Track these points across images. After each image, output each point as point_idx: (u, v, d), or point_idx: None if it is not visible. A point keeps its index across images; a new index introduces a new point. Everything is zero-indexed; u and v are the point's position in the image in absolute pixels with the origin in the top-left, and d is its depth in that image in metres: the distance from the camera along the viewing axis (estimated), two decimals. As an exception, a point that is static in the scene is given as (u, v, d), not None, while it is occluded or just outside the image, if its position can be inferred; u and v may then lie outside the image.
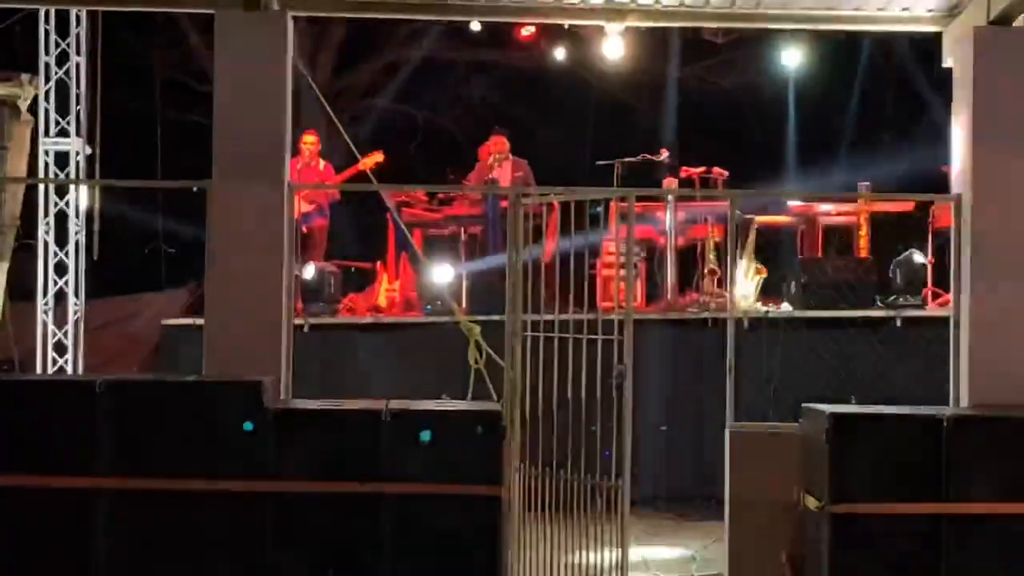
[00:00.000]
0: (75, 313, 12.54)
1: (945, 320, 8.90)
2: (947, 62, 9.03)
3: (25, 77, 11.81)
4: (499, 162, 13.87)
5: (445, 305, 11.59)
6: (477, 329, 8.79)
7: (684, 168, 13.70)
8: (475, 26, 14.97)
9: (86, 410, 7.35)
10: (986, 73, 8.47)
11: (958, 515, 7.44)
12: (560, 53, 17.74)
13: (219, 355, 8.08)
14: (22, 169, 11.73)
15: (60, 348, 12.47)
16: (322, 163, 13.86)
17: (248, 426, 7.31)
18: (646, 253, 13.27)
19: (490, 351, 8.59)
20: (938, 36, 9.17)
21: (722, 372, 8.45)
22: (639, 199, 9.08)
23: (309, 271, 12.71)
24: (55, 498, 7.28)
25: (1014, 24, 8.49)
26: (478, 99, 21.66)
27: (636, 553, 8.95)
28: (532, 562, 8.24)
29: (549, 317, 8.33)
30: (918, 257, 12.57)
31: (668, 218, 13.09)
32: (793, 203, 13.57)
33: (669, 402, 11.29)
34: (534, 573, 8.27)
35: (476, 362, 8.64)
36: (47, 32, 12.63)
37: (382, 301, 13.51)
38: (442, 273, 12.60)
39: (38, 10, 12.36)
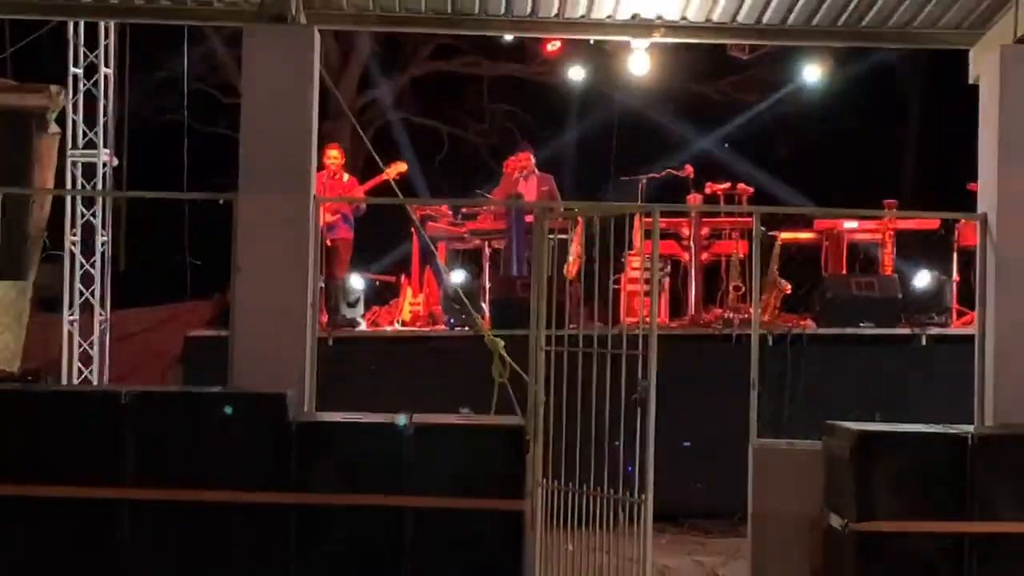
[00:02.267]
0: (101, 324, 12.59)
1: (970, 338, 8.87)
2: (974, 79, 9.01)
3: (53, 89, 11.88)
4: (525, 177, 13.89)
5: (469, 318, 11.59)
6: (501, 343, 8.79)
7: (709, 184, 13.69)
8: (508, 38, 14.98)
9: (111, 421, 7.38)
10: (1013, 91, 8.46)
11: (983, 534, 7.42)
12: (585, 68, 17.75)
13: (244, 367, 8.11)
14: (49, 180, 11.79)
15: (86, 359, 12.52)
16: (346, 176, 13.90)
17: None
18: (670, 268, 13.26)
19: (514, 365, 8.59)
20: (965, 53, 9.15)
21: (746, 388, 8.44)
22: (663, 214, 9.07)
23: (358, 281, 12.74)
24: (80, 509, 7.32)
25: (1042, 42, 8.48)
26: (503, 113, 21.72)
27: (658, 568, 8.92)
28: (554, 577, 8.23)
29: (573, 332, 8.33)
30: (920, 280, 12.52)
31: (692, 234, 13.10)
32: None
33: (693, 418, 11.25)
34: (556, 588, 8.25)
35: (500, 376, 8.64)
36: (75, 44, 12.70)
37: (406, 314, 13.52)
38: (457, 277, 12.62)
39: (67, 22, 12.43)
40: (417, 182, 13.99)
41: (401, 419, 7.38)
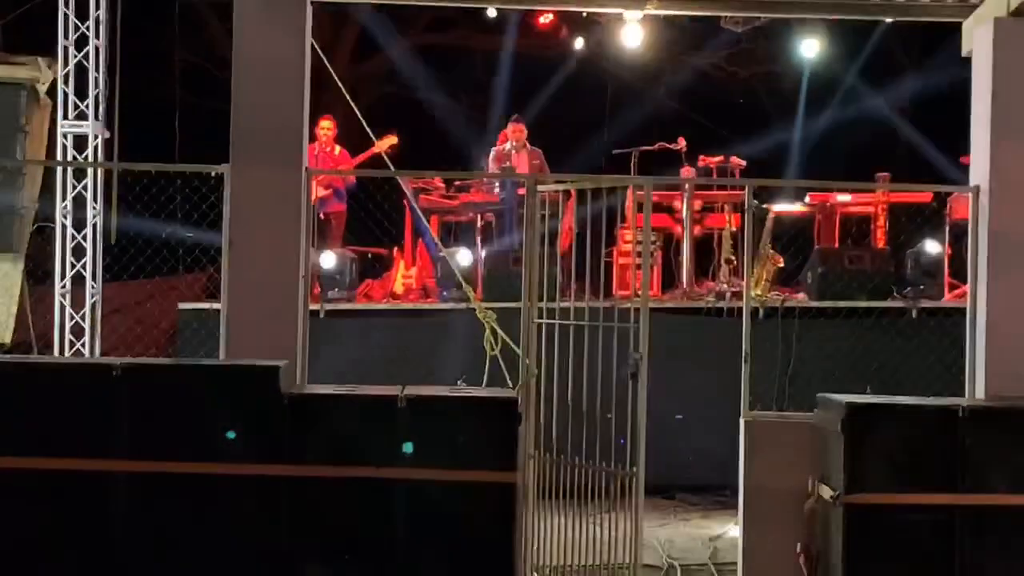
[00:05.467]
0: (92, 297, 12.56)
1: (961, 311, 8.89)
2: (967, 52, 9.00)
3: (44, 61, 11.83)
4: (516, 150, 13.88)
5: (462, 292, 11.60)
6: (493, 316, 8.80)
7: (702, 157, 13.69)
8: (491, 12, 14.95)
9: (103, 394, 7.38)
10: (1005, 64, 8.45)
11: (973, 506, 7.44)
12: (578, 40, 17.70)
13: (236, 340, 8.11)
14: (40, 152, 11.75)
15: (77, 331, 12.50)
16: (337, 148, 13.88)
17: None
18: (662, 242, 13.27)
19: (506, 338, 8.59)
20: (959, 25, 9.14)
21: (738, 361, 8.45)
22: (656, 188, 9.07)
23: (328, 259, 12.71)
24: (72, 481, 7.32)
25: (1035, 15, 8.46)
26: (497, 86, 21.64)
27: (649, 541, 8.95)
28: (546, 549, 8.26)
29: (565, 305, 8.33)
30: (931, 247, 12.54)
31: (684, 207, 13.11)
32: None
33: (684, 391, 11.28)
34: (548, 560, 8.28)
35: (492, 349, 8.65)
36: (66, 15, 12.62)
37: (398, 287, 13.53)
38: (464, 256, 12.61)
39: (57, -7, 12.38)
40: (409, 155, 13.95)
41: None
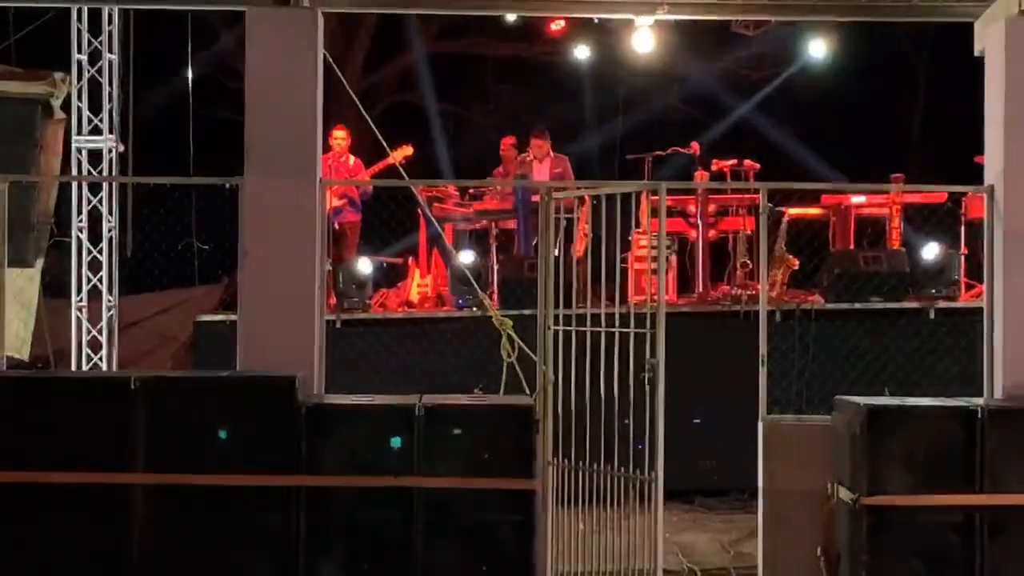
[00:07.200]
0: (109, 310, 12.61)
1: (978, 311, 8.86)
2: (980, 51, 8.98)
3: (58, 75, 11.84)
4: (539, 159, 13.84)
5: (477, 299, 11.60)
6: (509, 323, 8.80)
7: (715, 161, 13.67)
8: (510, 17, 14.92)
9: (121, 407, 7.40)
10: (1018, 63, 8.43)
11: (993, 507, 7.42)
12: (590, 47, 17.69)
13: (253, 351, 8.12)
14: (56, 167, 11.77)
15: (94, 345, 12.54)
16: (351, 159, 13.88)
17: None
18: (677, 246, 13.26)
19: (523, 345, 8.59)
20: (971, 25, 9.12)
21: (754, 365, 8.44)
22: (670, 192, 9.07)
23: (366, 264, 12.76)
24: (91, 494, 7.34)
25: (1048, 14, 8.44)
26: (509, 94, 21.68)
27: (669, 546, 8.93)
28: (566, 555, 8.24)
29: (581, 311, 8.32)
30: (929, 251, 12.50)
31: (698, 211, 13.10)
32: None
33: (702, 395, 11.26)
34: (568, 566, 8.27)
35: (508, 356, 8.64)
36: (80, 30, 12.68)
37: (414, 296, 13.53)
38: (465, 256, 12.61)
39: (71, 8, 12.42)
40: (424, 164, 13.99)
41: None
